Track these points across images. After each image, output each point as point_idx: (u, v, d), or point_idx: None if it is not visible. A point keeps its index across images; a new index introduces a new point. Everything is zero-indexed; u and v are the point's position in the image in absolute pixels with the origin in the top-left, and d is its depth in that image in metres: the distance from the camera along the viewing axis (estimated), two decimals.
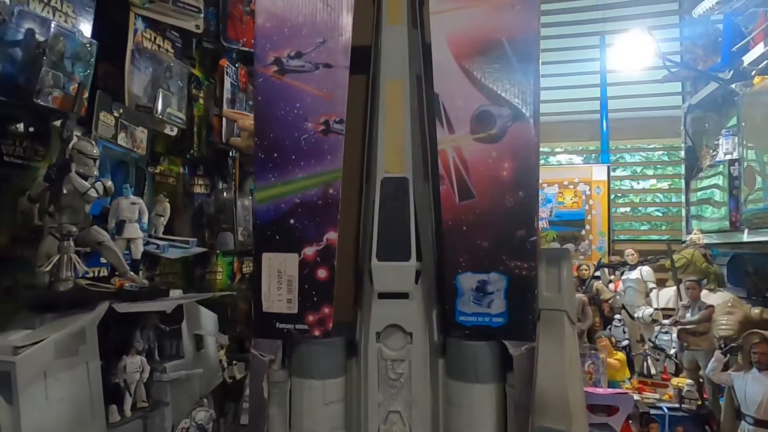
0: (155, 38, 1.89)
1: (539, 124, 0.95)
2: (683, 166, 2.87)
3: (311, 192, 0.95)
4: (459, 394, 0.94)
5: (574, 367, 0.82)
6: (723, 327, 1.71)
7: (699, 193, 2.62)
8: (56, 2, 1.50)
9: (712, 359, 1.59)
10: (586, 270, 2.33)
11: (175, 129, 1.90)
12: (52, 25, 1.40)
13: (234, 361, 1.68)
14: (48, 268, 1.22)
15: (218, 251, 2.10)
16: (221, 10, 2.15)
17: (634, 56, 2.39)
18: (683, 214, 2.77)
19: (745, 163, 2.08)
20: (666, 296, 2.20)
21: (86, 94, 1.51)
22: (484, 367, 0.93)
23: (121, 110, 1.63)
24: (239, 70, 2.26)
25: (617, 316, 2.13)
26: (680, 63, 2.42)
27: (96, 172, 1.37)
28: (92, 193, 1.32)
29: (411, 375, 0.97)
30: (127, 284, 1.30)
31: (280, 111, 0.97)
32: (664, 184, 3.17)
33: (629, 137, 3.14)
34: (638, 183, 3.25)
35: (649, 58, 2.42)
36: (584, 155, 3.09)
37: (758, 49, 2.04)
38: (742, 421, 1.48)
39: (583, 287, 2.33)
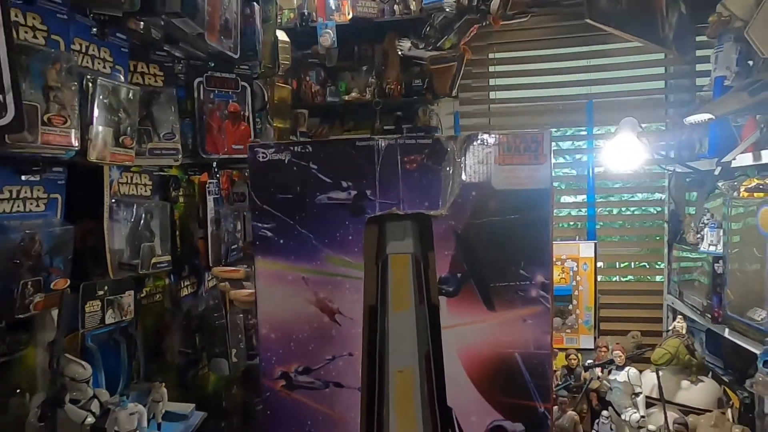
0: (132, 178, 1.79)
1: None
2: (666, 227, 2.92)
3: None
4: None
5: None
6: None
7: (682, 264, 2.68)
8: (26, 192, 1.40)
9: None
10: (574, 359, 2.40)
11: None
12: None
13: None
14: None
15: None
16: (198, 123, 2.03)
17: (624, 157, 2.37)
18: (665, 280, 2.85)
19: (730, 266, 2.13)
20: (650, 382, 2.30)
21: (68, 283, 1.45)
22: None
23: (105, 288, 1.56)
24: (220, 179, 2.17)
25: (605, 413, 2.22)
26: (671, 159, 2.42)
27: (90, 392, 1.33)
28: (89, 420, 1.28)
29: None
30: None
31: (291, 428, 0.95)
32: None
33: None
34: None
35: (640, 160, 2.41)
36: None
37: (747, 158, 2.05)
38: None
39: (572, 376, 2.40)
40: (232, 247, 2.16)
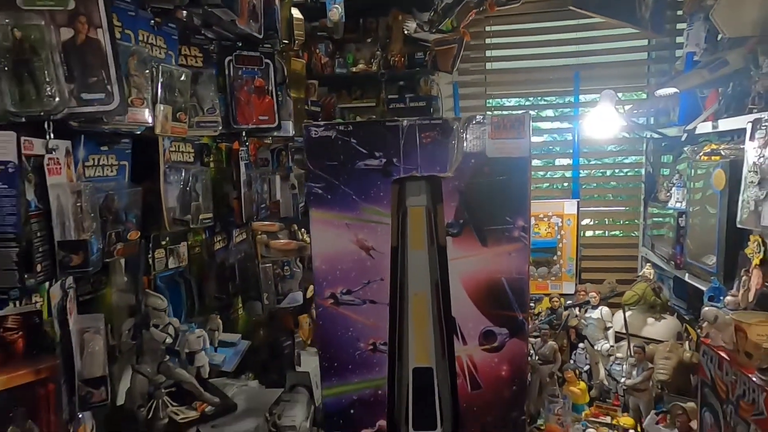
0: (179, 147, 2.09)
1: (528, 339, 1.31)
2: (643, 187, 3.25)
3: (365, 392, 1.31)
4: None
5: None
6: (660, 372, 2.19)
7: (654, 220, 3.03)
8: (103, 160, 1.70)
9: (649, 416, 2.09)
10: (557, 301, 2.77)
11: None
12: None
13: None
14: (145, 411, 1.57)
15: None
16: (229, 97, 2.30)
17: (604, 125, 2.67)
18: (640, 234, 3.20)
19: (690, 220, 2.48)
20: (620, 320, 2.68)
21: (139, 234, 1.77)
22: None
23: (167, 238, 1.89)
24: (249, 147, 2.46)
25: (581, 345, 2.61)
26: (644, 125, 2.72)
27: (167, 319, 1.67)
28: (168, 340, 1.63)
29: None
30: (208, 408, 1.66)
31: (338, 332, 1.30)
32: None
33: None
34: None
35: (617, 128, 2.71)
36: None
37: (708, 126, 2.35)
38: None
39: (554, 315, 2.78)
40: (261, 205, 2.48)
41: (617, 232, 3.79)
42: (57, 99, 1.19)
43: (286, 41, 2.74)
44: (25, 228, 1.09)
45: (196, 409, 1.68)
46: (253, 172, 2.43)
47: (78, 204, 1.29)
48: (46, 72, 1.17)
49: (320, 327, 1.30)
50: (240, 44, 2.33)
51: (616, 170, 3.76)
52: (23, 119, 1.17)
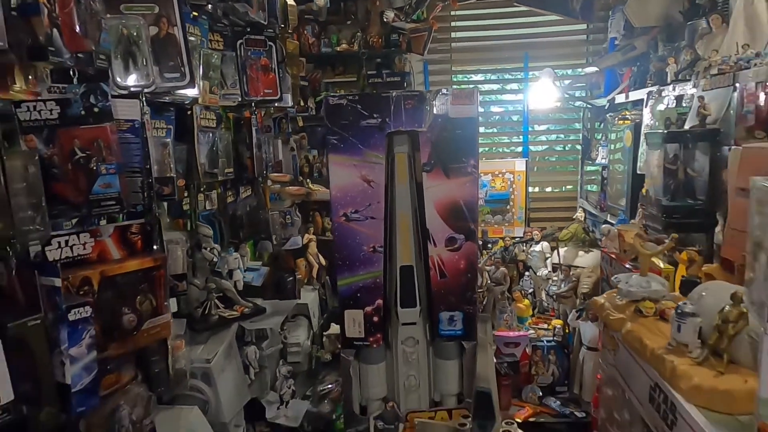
0: (206, 114, 2.59)
1: (478, 242, 1.92)
2: (581, 149, 3.92)
3: (368, 281, 1.90)
4: (441, 365, 2.00)
5: (491, 360, 1.89)
6: (584, 287, 2.86)
7: (587, 176, 3.71)
8: (158, 124, 2.20)
9: (571, 314, 2.77)
10: (509, 241, 3.43)
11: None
12: None
13: None
14: (201, 310, 2.14)
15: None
16: (241, 74, 2.80)
17: (544, 97, 3.29)
18: (578, 188, 3.88)
19: (610, 172, 3.15)
20: (558, 256, 3.36)
21: (185, 182, 2.30)
22: (452, 352, 1.99)
23: (203, 187, 2.42)
24: (257, 116, 2.97)
25: (527, 273, 3.28)
26: (577, 97, 3.35)
27: (213, 244, 2.22)
28: (215, 259, 2.19)
29: (418, 358, 2.02)
30: (245, 309, 2.23)
31: (349, 240, 1.88)
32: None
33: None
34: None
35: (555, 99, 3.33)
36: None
37: (622, 97, 3.00)
38: (583, 347, 2.69)
39: (507, 251, 3.44)
40: (269, 164, 3.02)
41: (562, 188, 4.47)
42: (151, 78, 1.71)
43: (282, 25, 3.23)
44: (145, 165, 1.62)
45: (236, 311, 2.26)
46: (261, 137, 2.96)
47: (164, 153, 1.81)
48: (143, 58, 1.68)
49: (336, 237, 1.88)
50: (249, 30, 2.82)
51: (562, 135, 4.39)
52: (128, 91, 1.68)
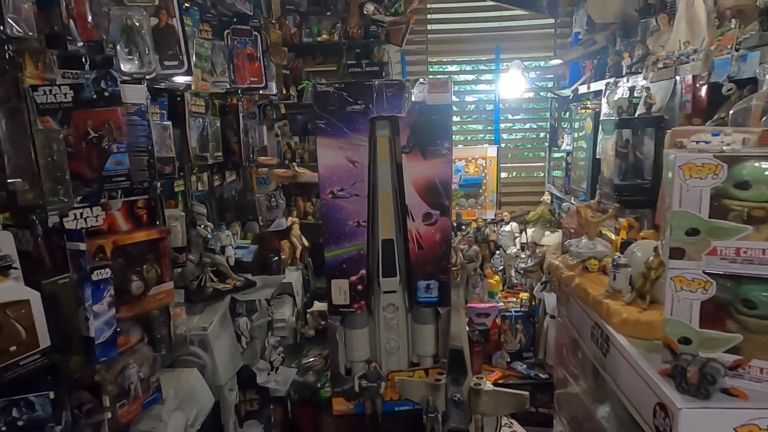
0: (196, 101, 2.73)
1: (451, 217, 2.13)
2: (548, 137, 4.17)
3: (353, 253, 2.10)
4: (418, 330, 2.22)
5: (463, 322, 2.11)
6: (550, 263, 3.13)
7: (554, 162, 3.97)
8: (154, 109, 2.34)
9: (537, 287, 3.03)
10: (481, 222, 3.66)
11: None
12: None
13: None
14: (196, 284, 2.30)
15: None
16: (228, 62, 2.94)
17: (514, 87, 3.52)
18: (546, 174, 4.14)
19: (573, 158, 3.40)
20: (526, 236, 3.62)
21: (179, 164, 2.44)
22: (428, 318, 2.20)
23: (196, 168, 2.56)
24: (244, 103, 3.11)
25: (497, 252, 3.53)
26: (544, 87, 3.59)
27: (207, 221, 2.38)
28: (209, 236, 2.35)
29: (398, 323, 2.23)
30: (237, 283, 2.40)
31: (335, 215, 2.07)
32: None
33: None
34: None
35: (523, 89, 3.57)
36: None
37: (584, 88, 3.24)
38: (547, 316, 2.95)
39: (479, 231, 3.68)
40: (255, 148, 3.17)
41: (532, 174, 4.74)
42: (153, 66, 1.86)
43: (266, 16, 3.37)
44: (149, 145, 1.77)
45: (229, 284, 2.42)
46: (248, 122, 3.11)
47: (164, 135, 1.96)
48: (146, 47, 1.83)
49: (324, 213, 2.06)
50: (235, 20, 2.96)
51: (533, 124, 4.65)
52: (131, 78, 1.83)
